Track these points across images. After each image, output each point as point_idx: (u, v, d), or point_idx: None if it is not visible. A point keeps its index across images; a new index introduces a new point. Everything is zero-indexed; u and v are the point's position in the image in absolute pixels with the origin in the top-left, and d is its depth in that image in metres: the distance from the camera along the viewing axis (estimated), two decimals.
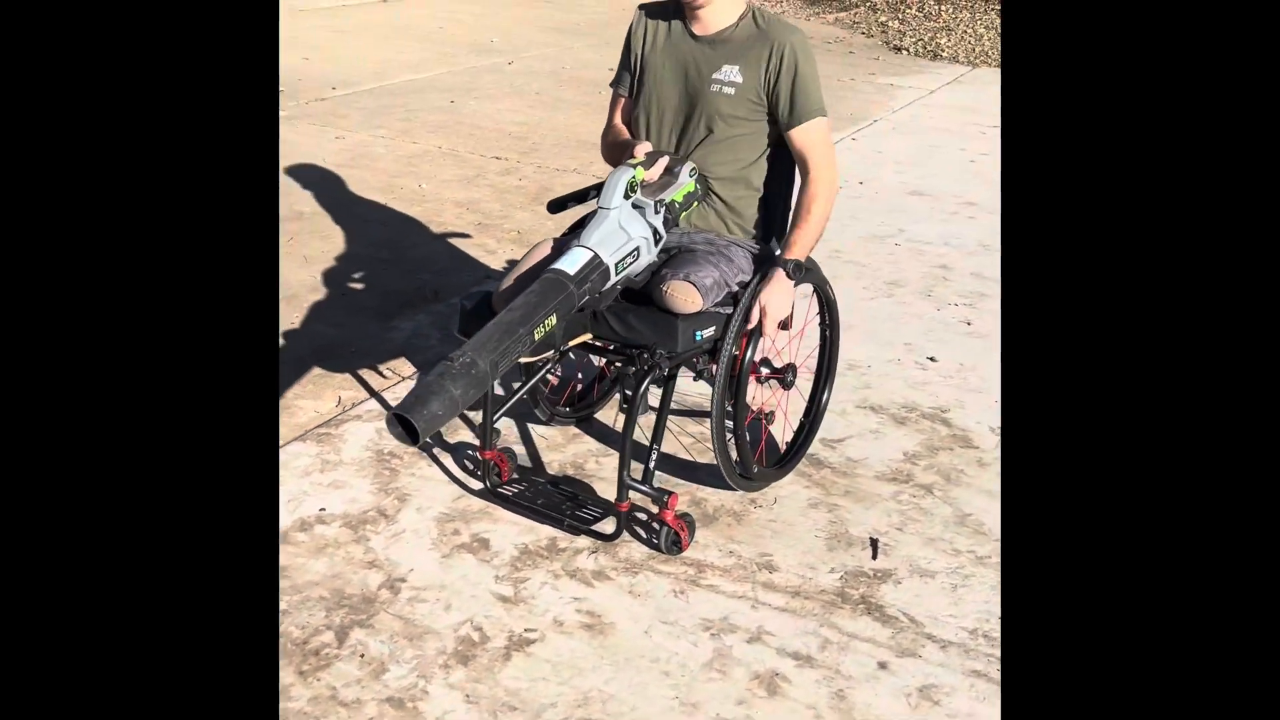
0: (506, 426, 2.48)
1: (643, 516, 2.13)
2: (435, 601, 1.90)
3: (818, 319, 2.35)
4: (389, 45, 7.43)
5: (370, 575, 1.97)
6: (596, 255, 1.86)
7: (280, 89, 5.87)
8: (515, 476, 2.27)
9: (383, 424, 2.48)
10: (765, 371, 2.18)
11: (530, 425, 2.51)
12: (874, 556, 2.09)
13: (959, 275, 3.57)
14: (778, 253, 2.15)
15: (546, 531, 2.10)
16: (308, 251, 3.53)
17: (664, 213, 1.98)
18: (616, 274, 1.90)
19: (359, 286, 3.28)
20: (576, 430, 2.52)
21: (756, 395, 2.25)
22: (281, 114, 5.33)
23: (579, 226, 2.12)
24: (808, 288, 2.25)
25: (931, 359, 2.93)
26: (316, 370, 2.72)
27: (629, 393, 2.07)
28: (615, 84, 2.30)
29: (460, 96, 5.92)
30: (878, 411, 2.65)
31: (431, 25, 8.41)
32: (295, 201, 4.01)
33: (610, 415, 2.57)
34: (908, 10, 9.20)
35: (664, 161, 2.03)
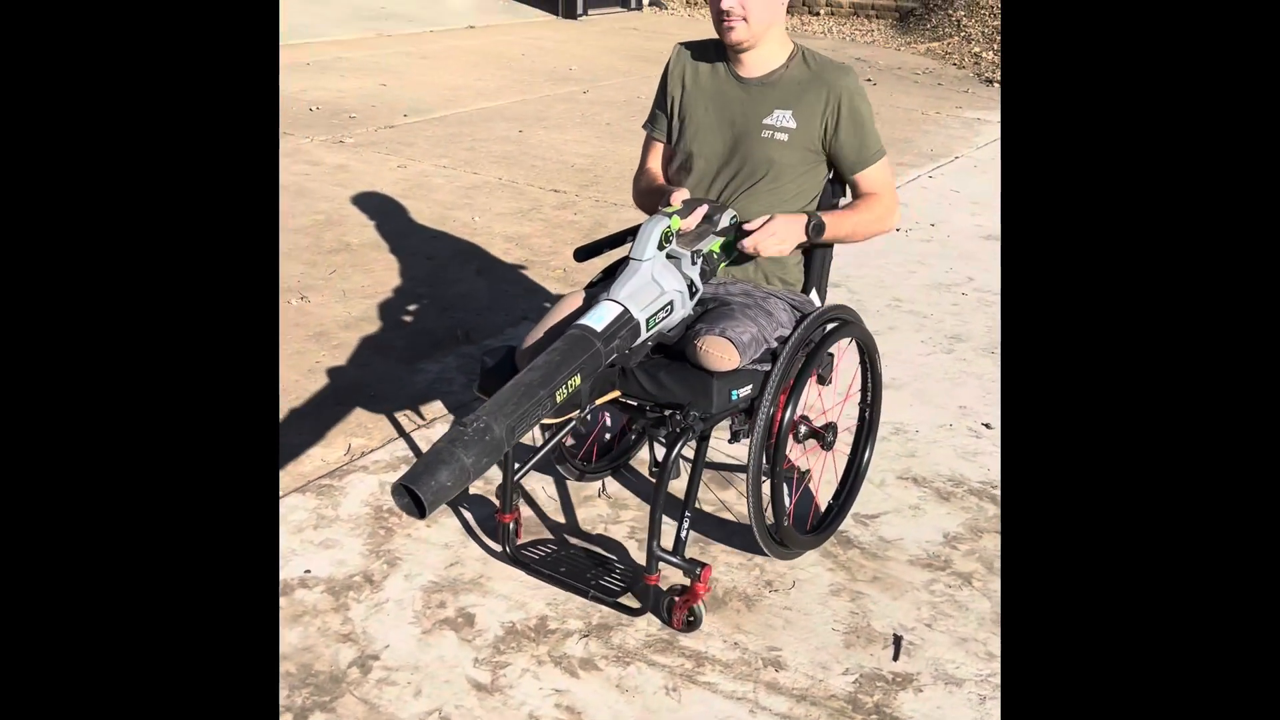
0: (531, 481, 2.37)
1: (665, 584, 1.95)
2: (406, 685, 1.76)
3: (859, 375, 2.22)
4: (469, 72, 7.44)
5: (343, 650, 1.84)
6: (626, 310, 1.73)
7: (352, 115, 5.91)
8: (539, 539, 2.14)
9: (388, 478, 2.37)
10: (804, 430, 2.04)
11: (556, 481, 2.40)
12: (895, 657, 1.88)
13: None
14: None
15: (537, 609, 1.95)
16: (347, 285, 3.46)
17: (701, 264, 1.86)
18: (647, 330, 1.77)
19: (391, 324, 3.20)
20: (597, 491, 2.39)
21: (796, 454, 2.11)
22: (349, 141, 5.34)
23: (612, 273, 1.99)
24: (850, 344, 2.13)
25: (987, 425, 2.69)
26: (331, 413, 2.63)
27: (660, 456, 1.94)
28: (649, 125, 2.17)
29: (529, 126, 5.86)
30: (920, 484, 2.43)
31: (515, 53, 8.43)
32: (345, 232, 3.97)
33: (643, 467, 2.44)
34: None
35: (702, 210, 1.92)
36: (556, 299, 2.99)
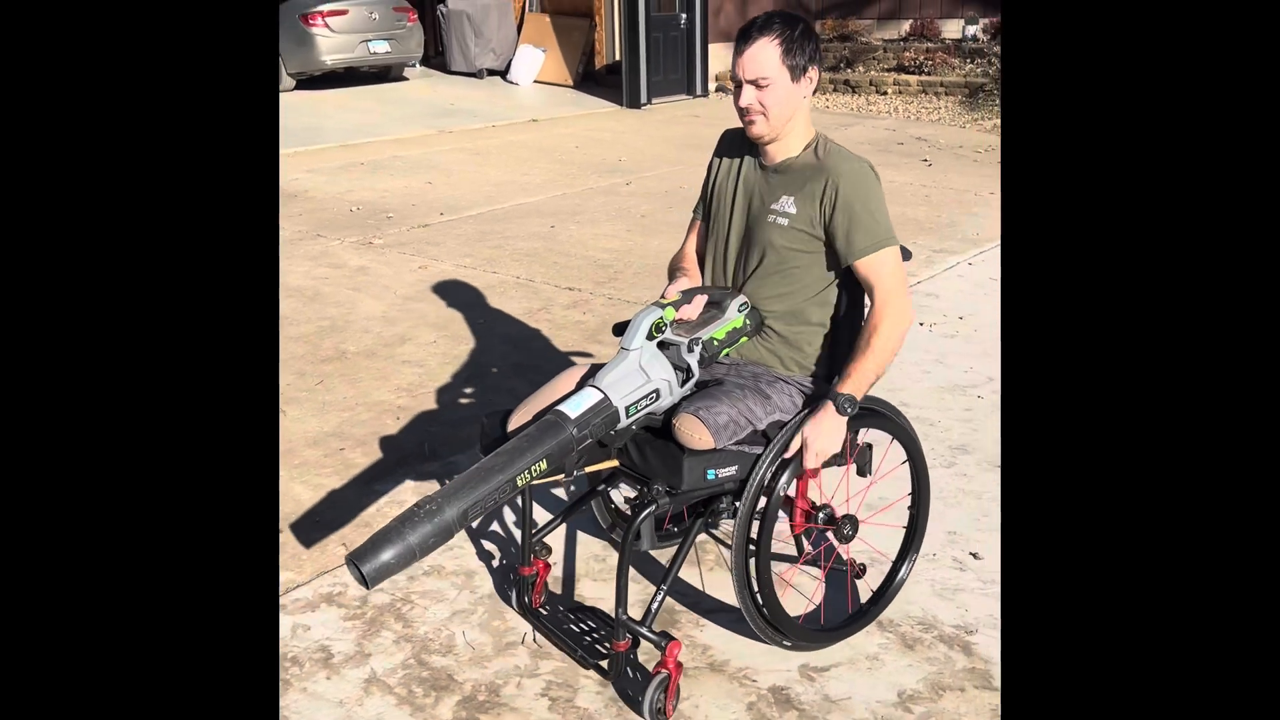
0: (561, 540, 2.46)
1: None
2: None
3: (909, 485, 2.20)
4: (518, 167, 7.49)
5: None
6: (606, 398, 1.80)
7: (389, 215, 5.96)
8: (552, 597, 2.23)
9: (304, 619, 2.22)
10: (820, 518, 2.04)
11: (581, 545, 2.47)
12: None
13: None
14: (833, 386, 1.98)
15: None
16: (329, 397, 3.39)
17: (699, 350, 1.93)
18: (628, 416, 1.84)
19: (359, 441, 3.09)
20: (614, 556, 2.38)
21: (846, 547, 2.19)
22: (377, 242, 5.37)
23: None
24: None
25: (975, 555, 2.41)
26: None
27: (626, 526, 1.94)
28: (697, 208, 2.30)
29: (562, 221, 5.81)
30: (885, 629, 2.16)
31: (569, 145, 8.49)
32: (344, 340, 3.92)
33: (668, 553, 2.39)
34: None
35: (703, 299, 2.02)
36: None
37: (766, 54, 1.95)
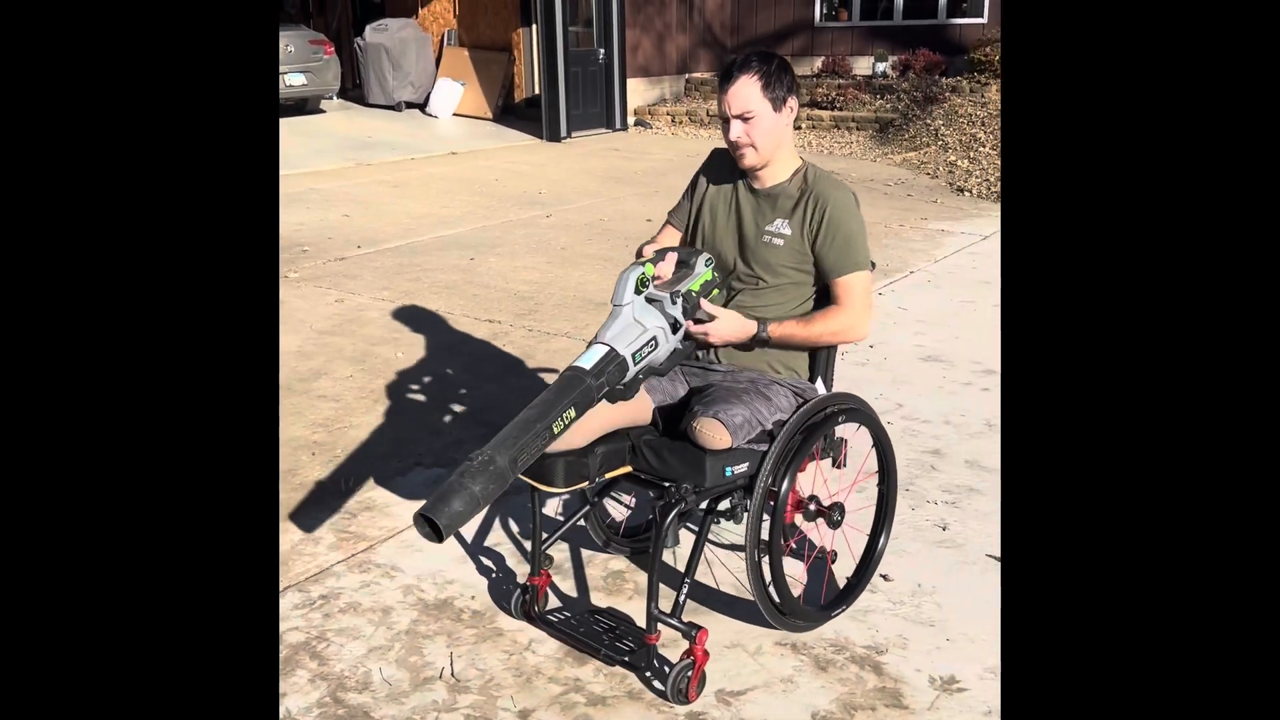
0: (564, 550, 2.56)
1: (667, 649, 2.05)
2: None
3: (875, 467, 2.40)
4: (437, 200, 7.48)
5: None
6: (612, 349, 1.94)
7: (304, 249, 5.89)
8: (560, 605, 2.33)
9: None
10: (813, 508, 2.22)
11: (581, 552, 2.56)
12: None
13: (950, 464, 3.11)
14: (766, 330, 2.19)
15: None
16: None
17: (681, 302, 2.08)
18: (635, 364, 1.97)
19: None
20: (630, 560, 2.54)
21: (814, 532, 2.45)
22: (292, 275, 5.30)
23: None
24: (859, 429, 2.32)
25: (885, 577, 2.47)
26: None
27: (656, 525, 2.06)
28: (672, 213, 2.42)
29: (482, 253, 5.82)
30: (799, 651, 2.20)
31: (489, 178, 8.50)
32: None
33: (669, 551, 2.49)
34: (980, 148, 8.84)
35: (674, 257, 2.15)
36: (459, 440, 3.25)
37: (748, 90, 2.13)
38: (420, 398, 3.67)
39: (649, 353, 2.00)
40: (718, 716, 2.00)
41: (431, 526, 1.64)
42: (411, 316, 4.61)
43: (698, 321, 2.13)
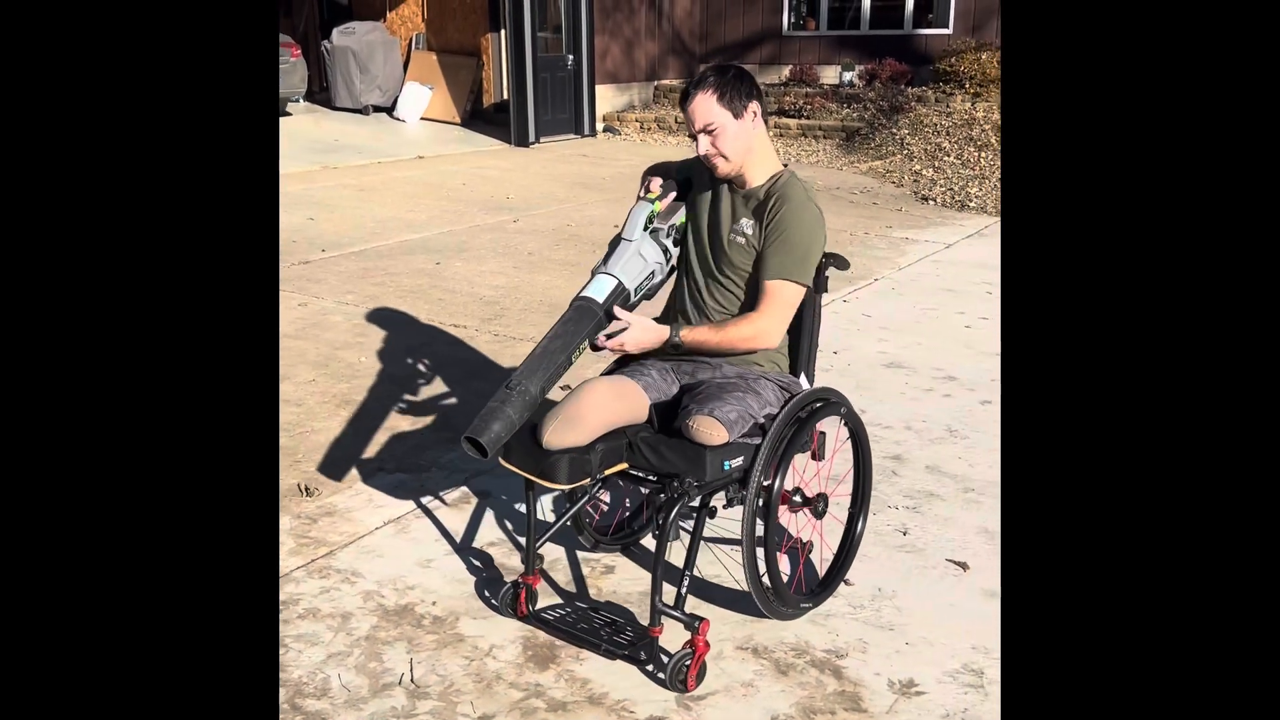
0: (551, 552, 2.61)
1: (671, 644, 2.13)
2: None
3: (851, 453, 2.48)
4: (403, 203, 7.44)
5: None
6: (620, 282, 2.13)
7: None
8: (556, 603, 2.37)
9: None
10: (798, 500, 2.31)
11: (575, 551, 2.61)
12: None
13: (911, 469, 3.13)
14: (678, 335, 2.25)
15: None
16: None
17: (674, 234, 2.29)
18: (635, 296, 2.20)
19: None
20: (618, 557, 2.60)
21: (791, 524, 2.55)
22: None
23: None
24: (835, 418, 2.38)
25: (846, 581, 2.49)
26: None
27: (661, 520, 2.14)
28: (662, 175, 2.42)
29: (449, 257, 5.79)
30: (760, 655, 2.21)
31: (456, 183, 8.47)
32: None
33: (653, 543, 2.39)
34: (944, 158, 8.94)
35: (672, 194, 2.33)
36: (423, 445, 3.27)
37: (706, 104, 2.21)
38: (384, 402, 3.65)
39: (647, 285, 2.23)
40: None
41: (475, 447, 1.90)
42: (376, 321, 4.58)
43: (609, 336, 2.18)
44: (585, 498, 2.47)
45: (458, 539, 2.70)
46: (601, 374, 2.33)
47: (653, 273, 2.22)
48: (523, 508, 2.86)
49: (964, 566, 2.56)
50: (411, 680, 2.12)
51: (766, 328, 2.24)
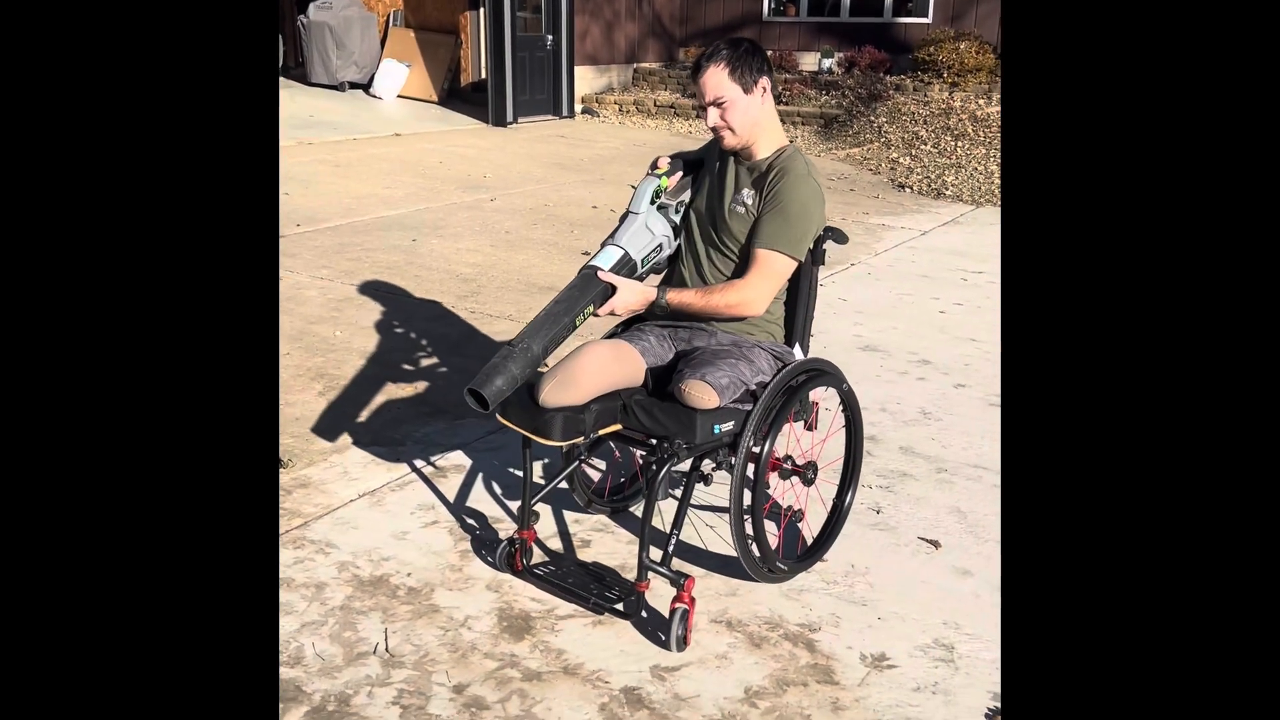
0: (544, 511, 2.69)
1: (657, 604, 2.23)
2: None
3: (843, 424, 2.54)
4: (379, 180, 7.39)
5: None
6: (627, 253, 2.20)
7: None
8: (547, 560, 2.43)
9: None
10: (788, 467, 2.37)
11: (567, 511, 2.68)
12: None
13: (885, 450, 3.16)
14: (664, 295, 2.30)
15: None
16: None
17: (682, 210, 2.36)
18: (642, 267, 2.26)
19: None
20: (607, 521, 2.66)
21: (784, 493, 2.66)
22: None
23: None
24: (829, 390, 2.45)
25: (821, 559, 2.51)
26: None
27: (650, 479, 2.17)
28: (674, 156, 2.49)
29: (425, 235, 5.76)
30: (734, 629, 2.23)
31: (433, 161, 8.41)
32: None
33: (641, 510, 2.45)
34: (921, 146, 8.98)
35: (680, 170, 2.40)
36: (397, 419, 3.30)
37: (717, 77, 2.23)
38: (359, 377, 3.63)
39: (654, 257, 2.29)
40: (652, 692, 2.02)
41: (478, 399, 1.96)
42: (351, 296, 4.56)
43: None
44: (579, 459, 2.51)
45: (433, 512, 2.70)
46: (601, 338, 2.37)
47: (660, 246, 2.27)
48: (500, 481, 2.86)
49: (936, 545, 2.59)
50: (386, 650, 2.12)
51: (751, 296, 2.27)
